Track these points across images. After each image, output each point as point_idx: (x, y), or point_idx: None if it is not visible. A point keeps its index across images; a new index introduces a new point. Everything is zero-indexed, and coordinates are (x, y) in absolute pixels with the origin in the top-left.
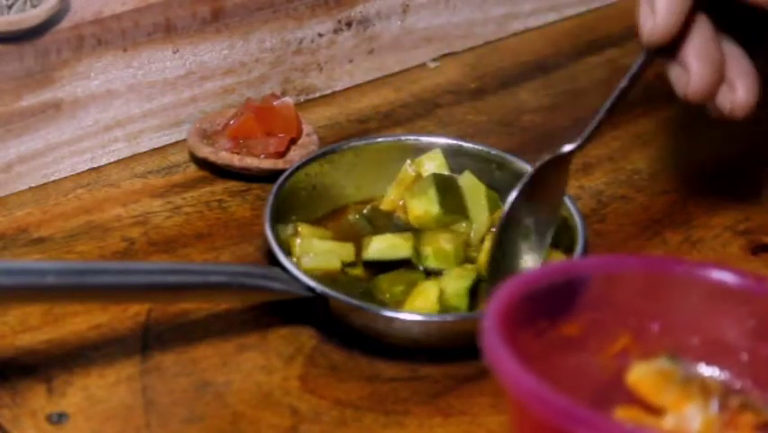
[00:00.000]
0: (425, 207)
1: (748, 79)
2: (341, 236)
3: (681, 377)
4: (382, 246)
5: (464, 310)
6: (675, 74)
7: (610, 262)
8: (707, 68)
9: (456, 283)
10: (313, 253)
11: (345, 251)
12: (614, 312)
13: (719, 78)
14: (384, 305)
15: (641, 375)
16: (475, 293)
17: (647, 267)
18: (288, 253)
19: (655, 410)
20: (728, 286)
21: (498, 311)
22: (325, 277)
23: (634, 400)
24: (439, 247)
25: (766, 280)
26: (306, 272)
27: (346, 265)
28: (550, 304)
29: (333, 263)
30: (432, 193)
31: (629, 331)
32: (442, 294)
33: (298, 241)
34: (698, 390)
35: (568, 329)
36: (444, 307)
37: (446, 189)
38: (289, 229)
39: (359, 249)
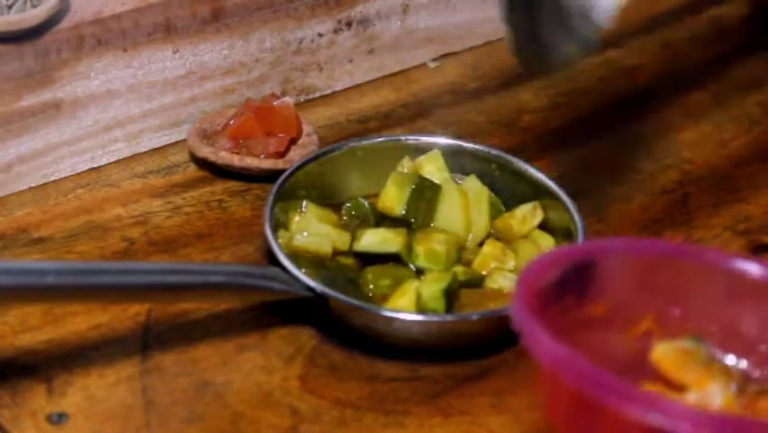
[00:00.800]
0: (392, 202)
1: None
2: (341, 226)
3: (704, 357)
4: (374, 240)
5: (442, 312)
6: None
7: (637, 246)
8: None
9: (432, 286)
10: (308, 233)
11: (340, 238)
12: (638, 294)
13: None
14: (369, 297)
15: (665, 352)
16: (453, 295)
17: (673, 253)
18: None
19: (678, 387)
20: (752, 277)
21: (528, 287)
22: (314, 260)
23: (657, 377)
24: (430, 247)
25: None
26: (296, 250)
27: (338, 253)
28: (576, 283)
29: (325, 248)
30: (406, 192)
31: (652, 314)
32: (419, 297)
33: (297, 218)
34: (719, 372)
35: (593, 309)
36: (422, 309)
37: (422, 197)
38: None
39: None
